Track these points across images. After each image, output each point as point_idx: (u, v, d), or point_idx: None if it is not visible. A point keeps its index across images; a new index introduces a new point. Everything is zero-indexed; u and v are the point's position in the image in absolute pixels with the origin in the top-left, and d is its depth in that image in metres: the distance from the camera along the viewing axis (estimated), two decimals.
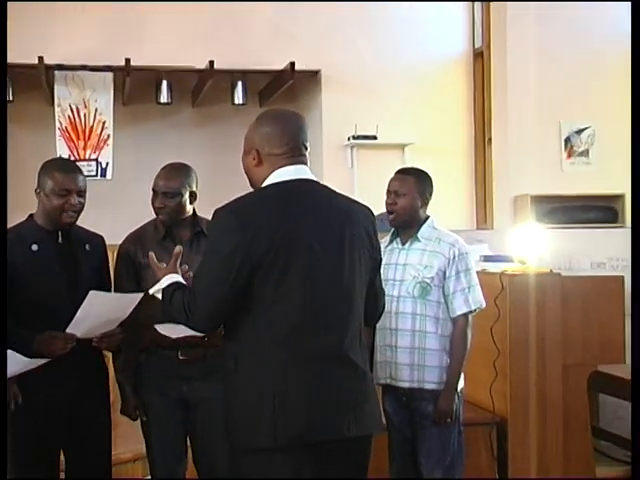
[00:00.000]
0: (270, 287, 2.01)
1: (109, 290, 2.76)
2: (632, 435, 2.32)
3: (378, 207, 3.57)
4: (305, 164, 2.16)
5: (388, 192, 3.13)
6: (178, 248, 2.38)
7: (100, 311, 2.54)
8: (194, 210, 2.95)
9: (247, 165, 2.19)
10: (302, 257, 2.02)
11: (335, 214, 2.12)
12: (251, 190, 2.21)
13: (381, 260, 2.29)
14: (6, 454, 2.47)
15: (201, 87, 6.43)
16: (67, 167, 2.70)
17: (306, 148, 2.17)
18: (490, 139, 6.50)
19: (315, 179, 2.16)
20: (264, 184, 2.14)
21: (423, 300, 3.02)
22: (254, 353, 2.03)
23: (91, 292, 2.50)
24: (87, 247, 2.76)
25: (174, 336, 2.68)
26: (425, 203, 3.12)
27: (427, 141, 6.34)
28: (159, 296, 2.22)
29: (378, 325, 3.08)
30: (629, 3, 2.83)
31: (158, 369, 2.84)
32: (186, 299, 2.09)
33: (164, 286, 2.21)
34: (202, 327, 2.13)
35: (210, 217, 3.06)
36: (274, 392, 1.99)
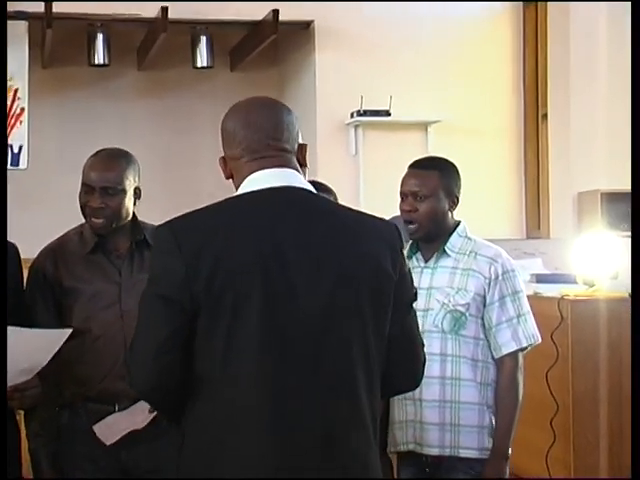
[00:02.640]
0: (218, 338, 2.00)
1: (26, 321, 2.72)
2: (632, 434, 2.50)
3: (391, 210, 3.57)
4: (284, 166, 2.13)
5: (403, 194, 3.11)
6: None
7: (16, 355, 2.49)
8: (133, 213, 2.95)
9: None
10: (259, 295, 2.00)
11: (324, 237, 2.08)
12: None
13: (414, 297, 2.25)
14: (6, 454, 2.54)
15: (150, 43, 6.42)
16: None
17: (278, 147, 2.14)
18: (546, 115, 6.52)
19: (303, 186, 2.14)
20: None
21: (456, 335, 3.01)
22: (202, 429, 2.03)
23: (8, 328, 2.46)
24: None
25: (109, 441, 2.73)
26: (454, 204, 3.11)
27: (459, 118, 6.35)
28: None
29: None
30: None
31: (87, 431, 2.80)
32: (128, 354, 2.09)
33: None
34: (144, 394, 2.11)
35: (161, 223, 3.06)
36: None
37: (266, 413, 1.99)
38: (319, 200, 2.17)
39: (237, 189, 2.15)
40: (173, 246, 2.03)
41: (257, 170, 2.12)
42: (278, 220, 2.07)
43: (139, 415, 2.77)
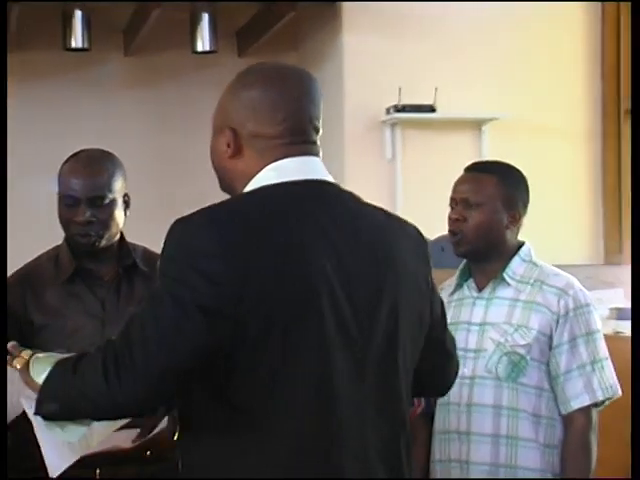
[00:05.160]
0: (263, 364, 2.02)
1: None
2: (632, 433, 2.69)
3: (434, 226, 3.58)
4: (316, 155, 2.20)
5: (453, 201, 3.14)
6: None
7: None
8: (121, 232, 2.98)
9: (217, 155, 2.22)
10: (319, 318, 2.05)
11: (370, 241, 2.17)
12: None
13: (442, 302, 2.35)
14: (6, 454, 2.62)
15: (140, 23, 6.48)
16: None
17: (317, 130, 2.21)
18: (629, 110, 6.52)
19: (333, 181, 2.20)
20: (250, 187, 2.15)
21: (513, 384, 3.02)
22: (231, 464, 2.05)
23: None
24: None
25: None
26: (515, 221, 3.13)
27: (520, 115, 6.36)
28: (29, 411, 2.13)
29: (439, 427, 3.11)
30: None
31: None
32: (111, 352, 2.02)
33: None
34: (136, 401, 2.03)
35: (147, 245, 3.05)
36: None
37: (329, 445, 2.06)
38: (353, 197, 2.22)
39: (243, 173, 2.16)
40: (217, 248, 2.01)
41: (292, 155, 2.16)
42: (332, 225, 2.12)
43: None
